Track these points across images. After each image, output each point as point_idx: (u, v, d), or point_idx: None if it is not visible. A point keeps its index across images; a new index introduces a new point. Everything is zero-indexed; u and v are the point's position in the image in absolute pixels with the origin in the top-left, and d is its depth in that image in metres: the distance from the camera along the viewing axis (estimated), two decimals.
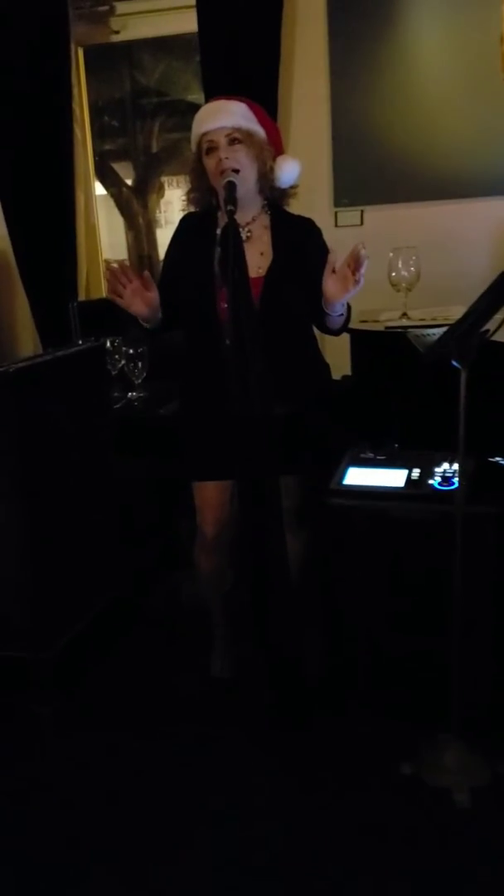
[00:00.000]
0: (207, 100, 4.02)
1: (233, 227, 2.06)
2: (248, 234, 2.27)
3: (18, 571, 2.32)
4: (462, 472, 2.00)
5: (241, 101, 2.26)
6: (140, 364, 3.24)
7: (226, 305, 2.21)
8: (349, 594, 2.29)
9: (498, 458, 2.33)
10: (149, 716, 2.48)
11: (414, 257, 2.55)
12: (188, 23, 4.10)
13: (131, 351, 3.23)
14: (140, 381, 3.26)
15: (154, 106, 9.07)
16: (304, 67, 3.91)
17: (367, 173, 3.95)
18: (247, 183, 2.21)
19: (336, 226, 3.93)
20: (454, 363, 1.91)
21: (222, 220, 2.31)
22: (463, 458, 1.98)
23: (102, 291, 4.58)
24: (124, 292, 2.18)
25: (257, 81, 3.77)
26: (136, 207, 9.55)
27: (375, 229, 3.95)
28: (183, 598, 3.00)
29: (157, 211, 10.23)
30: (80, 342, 3.02)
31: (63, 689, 2.49)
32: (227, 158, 2.18)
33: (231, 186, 2.14)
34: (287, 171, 2.30)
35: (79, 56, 4.26)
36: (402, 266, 2.55)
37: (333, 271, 2.08)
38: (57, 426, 2.44)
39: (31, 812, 2.12)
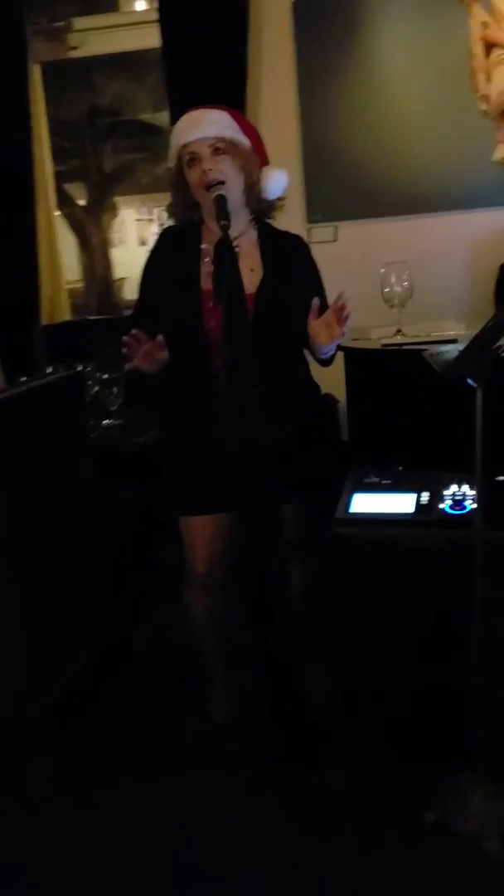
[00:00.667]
0: (173, 116, 3.96)
1: (227, 243, 1.93)
2: (237, 250, 2.14)
3: (4, 622, 2.13)
4: (480, 496, 1.88)
5: (222, 109, 2.14)
6: (115, 390, 3.07)
7: (214, 324, 2.09)
8: (358, 627, 2.16)
9: None
10: (145, 766, 2.31)
11: (407, 272, 2.45)
12: (150, 38, 3.99)
13: (105, 376, 3.07)
14: (115, 408, 3.10)
15: (107, 126, 8.95)
16: (271, 81, 3.83)
17: (340, 188, 3.87)
18: (233, 194, 2.09)
19: (309, 242, 3.83)
20: (470, 382, 1.79)
21: (207, 233, 2.19)
22: (480, 480, 1.87)
23: (66, 314, 4.43)
24: (135, 356, 2.06)
25: (224, 96, 3.64)
26: (89, 228, 9.40)
27: (350, 245, 3.87)
28: (175, 637, 2.82)
29: (111, 231, 10.10)
30: (50, 369, 2.85)
31: (55, 742, 2.30)
32: (211, 170, 2.05)
33: (222, 200, 2.01)
34: (274, 181, 2.19)
35: (35, 73, 4.11)
36: (395, 281, 2.45)
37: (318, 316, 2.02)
38: (34, 463, 2.26)
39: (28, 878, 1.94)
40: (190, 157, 2.08)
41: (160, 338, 2.04)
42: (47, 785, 2.21)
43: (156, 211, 10.78)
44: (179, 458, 2.28)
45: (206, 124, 2.08)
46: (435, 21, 3.69)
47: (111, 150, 9.26)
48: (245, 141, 2.12)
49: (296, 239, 2.28)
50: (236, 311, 1.92)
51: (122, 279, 10.12)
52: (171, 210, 2.23)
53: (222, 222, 1.96)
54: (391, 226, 3.91)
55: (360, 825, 2.03)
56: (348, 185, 3.89)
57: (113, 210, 9.79)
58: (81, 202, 9.21)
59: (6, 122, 3.82)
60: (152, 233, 11.21)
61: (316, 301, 2.03)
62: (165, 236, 2.31)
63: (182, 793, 2.18)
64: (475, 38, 3.71)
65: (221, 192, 2.03)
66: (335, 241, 3.87)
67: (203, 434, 2.18)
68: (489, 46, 3.71)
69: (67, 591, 2.42)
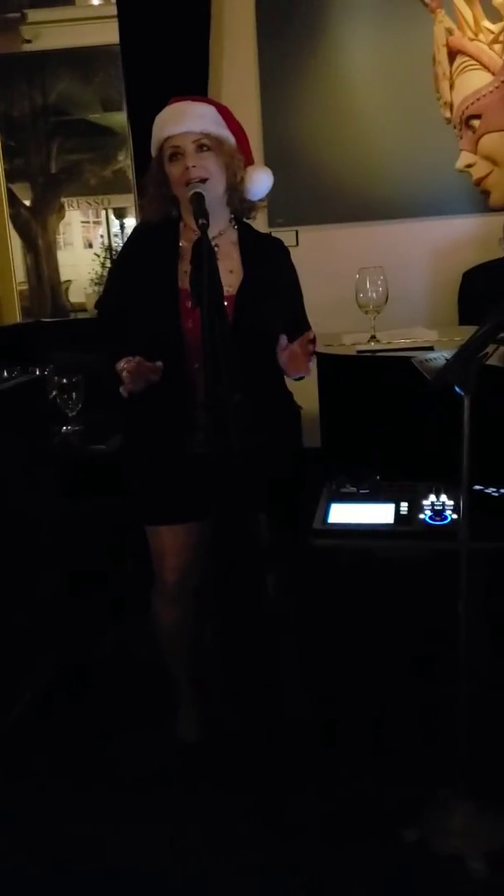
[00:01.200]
0: (131, 115, 3.87)
1: (207, 243, 1.85)
2: (216, 250, 2.06)
3: None
4: (466, 506, 1.83)
5: (210, 103, 2.07)
6: (74, 395, 2.97)
7: (191, 325, 2.01)
8: (337, 641, 2.09)
9: (483, 487, 2.19)
10: (110, 791, 2.20)
11: (382, 277, 2.41)
12: (106, 34, 3.90)
13: (64, 380, 2.96)
14: (74, 413, 2.99)
15: (54, 125, 8.77)
16: (233, 82, 3.78)
17: (302, 193, 3.83)
18: (215, 193, 2.01)
19: None
20: (457, 390, 1.75)
21: (185, 231, 2.10)
22: (466, 491, 1.82)
23: (17, 316, 4.29)
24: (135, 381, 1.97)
25: (183, 94, 3.60)
26: (35, 230, 9.21)
27: (311, 250, 3.83)
28: (139, 653, 2.72)
29: (57, 233, 9.92)
30: (13, 373, 2.74)
31: (10, 770, 2.18)
32: (195, 167, 1.97)
33: (199, 198, 1.93)
34: (259, 182, 2.12)
35: None
36: (370, 287, 2.40)
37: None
38: None
39: None
40: (173, 152, 1.99)
41: (160, 364, 1.95)
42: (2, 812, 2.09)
43: (103, 213, 10.65)
44: (149, 464, 2.18)
45: (192, 118, 1.99)
46: (399, 26, 3.69)
47: (58, 150, 9.10)
48: (231, 138, 2.04)
49: (277, 242, 2.22)
50: (215, 314, 1.84)
51: (69, 282, 9.95)
52: (146, 205, 2.13)
53: (201, 221, 1.88)
54: (353, 231, 3.89)
55: (337, 846, 1.96)
56: (310, 189, 3.86)
57: (59, 212, 9.61)
58: (27, 203, 9.01)
59: None
60: (99, 235, 11.07)
61: (283, 339, 1.97)
62: (139, 234, 2.23)
63: (149, 818, 2.07)
64: (439, 45, 3.73)
65: (199, 190, 1.95)
66: (296, 245, 3.82)
67: (175, 440, 2.09)
68: (453, 53, 3.74)
69: (26, 605, 2.30)
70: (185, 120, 1.99)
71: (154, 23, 3.63)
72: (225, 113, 2.07)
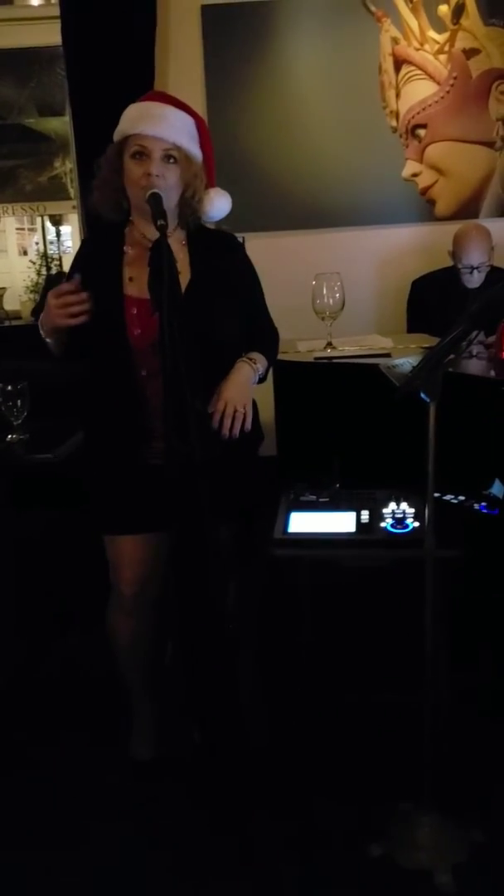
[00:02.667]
0: (75, 117, 3.78)
1: (166, 245, 1.79)
2: None
3: None
4: (432, 514, 1.81)
5: (188, 112, 1.99)
6: (20, 402, 2.85)
7: (139, 332, 1.95)
8: (298, 652, 2.05)
9: (441, 495, 2.17)
10: (61, 814, 2.11)
11: (339, 283, 2.38)
12: (50, 35, 3.81)
13: (9, 387, 2.84)
14: (20, 421, 2.88)
15: None
16: (179, 85, 3.73)
17: (248, 200, 3.79)
18: (167, 204, 1.94)
19: None
20: (423, 397, 1.73)
21: (131, 234, 2.04)
22: (432, 498, 1.80)
23: None
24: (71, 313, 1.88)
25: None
26: None
27: (256, 257, 3.77)
28: (86, 669, 2.63)
29: None
30: None
31: None
32: (157, 176, 1.90)
33: (157, 199, 1.88)
34: (218, 206, 2.08)
35: None
36: (328, 293, 2.37)
37: None
38: None
39: None
40: (139, 150, 1.92)
41: (77, 279, 1.89)
42: None
43: (38, 220, 10.46)
44: (104, 473, 2.11)
45: (169, 125, 1.92)
46: (346, 35, 3.70)
47: None
48: (199, 156, 1.99)
49: (227, 237, 2.16)
50: (175, 319, 1.78)
51: (3, 289, 9.71)
52: (98, 187, 2.03)
53: (160, 222, 1.82)
54: (299, 239, 3.88)
55: (300, 862, 1.91)
56: (256, 197, 3.84)
57: None
58: None
59: None
60: (34, 242, 10.87)
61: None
62: (89, 239, 2.17)
63: (105, 844, 2.00)
64: (385, 54, 3.74)
65: (157, 191, 1.89)
66: (246, 255, 3.78)
67: (130, 449, 2.03)
68: (399, 63, 3.76)
69: None
70: (162, 124, 1.91)
71: (98, 25, 3.56)
72: (201, 128, 2.02)
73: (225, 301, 2.03)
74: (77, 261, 2.14)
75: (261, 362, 2.08)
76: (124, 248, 2.04)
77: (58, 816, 2.10)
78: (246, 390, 2.01)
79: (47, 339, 2.00)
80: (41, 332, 2.00)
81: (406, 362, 1.82)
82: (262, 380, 2.12)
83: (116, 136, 1.97)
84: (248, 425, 1.99)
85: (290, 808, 2.06)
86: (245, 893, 1.85)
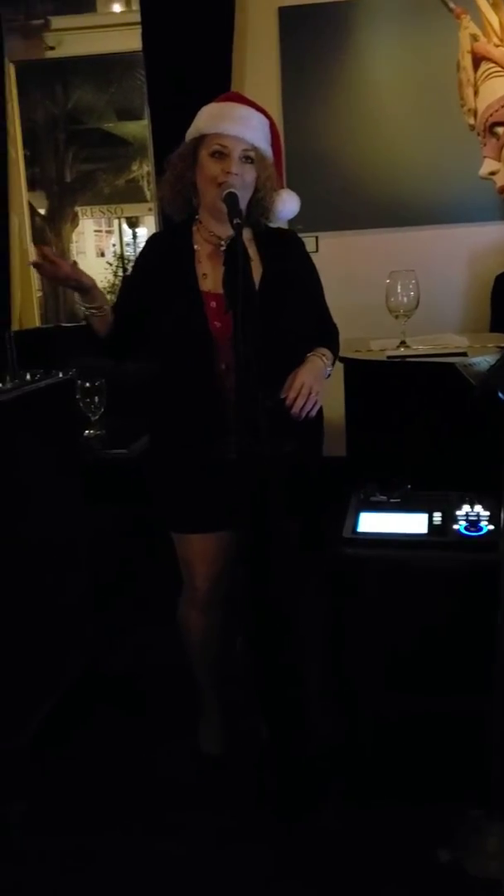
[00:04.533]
0: (154, 121, 3.84)
1: (241, 243, 1.81)
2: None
3: None
4: None
5: (264, 113, 2.02)
6: (97, 399, 2.93)
7: (220, 325, 1.98)
8: (366, 655, 2.04)
9: None
10: (130, 804, 2.15)
11: (413, 281, 2.36)
12: (131, 40, 3.88)
13: (87, 384, 2.92)
14: (97, 417, 2.95)
15: (69, 134, 8.79)
16: (255, 87, 3.77)
17: (323, 198, 3.81)
18: (241, 202, 1.96)
19: None
20: (501, 396, 1.70)
21: (199, 233, 2.06)
22: None
23: (36, 321, 4.26)
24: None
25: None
26: (48, 237, 9.21)
27: (331, 256, 3.80)
28: (157, 662, 2.66)
29: (71, 241, 9.93)
30: (37, 375, 2.70)
31: (33, 780, 2.13)
32: (237, 175, 1.93)
33: (233, 198, 1.90)
34: (289, 207, 2.09)
35: (11, 72, 3.95)
36: (402, 291, 2.35)
37: None
38: (22, 476, 2.11)
39: None
40: (218, 150, 1.95)
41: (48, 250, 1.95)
42: (24, 831, 2.04)
43: (115, 222, 10.66)
44: (178, 470, 2.13)
45: (250, 126, 1.96)
46: (422, 32, 3.67)
47: (72, 159, 9.11)
48: (271, 157, 2.02)
49: (291, 234, 2.17)
50: (248, 315, 1.80)
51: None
52: (167, 183, 2.06)
53: (235, 221, 1.84)
54: (375, 237, 3.87)
55: (366, 868, 1.90)
56: (331, 196, 3.84)
57: (73, 220, 9.63)
58: (42, 211, 9.02)
59: None
60: (111, 244, 11.09)
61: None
62: (155, 241, 2.20)
63: (169, 836, 2.02)
64: (464, 51, 3.67)
65: (233, 191, 1.91)
66: (316, 251, 3.79)
67: (205, 445, 2.05)
68: (478, 60, 3.69)
69: (50, 614, 2.26)
70: (241, 125, 1.95)
71: (177, 30, 3.62)
72: (273, 128, 2.04)
73: (295, 297, 2.04)
74: (142, 260, 2.16)
75: (328, 357, 2.08)
76: (194, 246, 2.07)
77: (128, 806, 2.14)
78: (320, 378, 2.01)
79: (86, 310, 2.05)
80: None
81: (483, 361, 1.79)
82: (327, 375, 2.11)
83: (192, 134, 2.00)
84: (315, 411, 1.97)
85: (355, 809, 2.05)
86: (310, 894, 1.84)
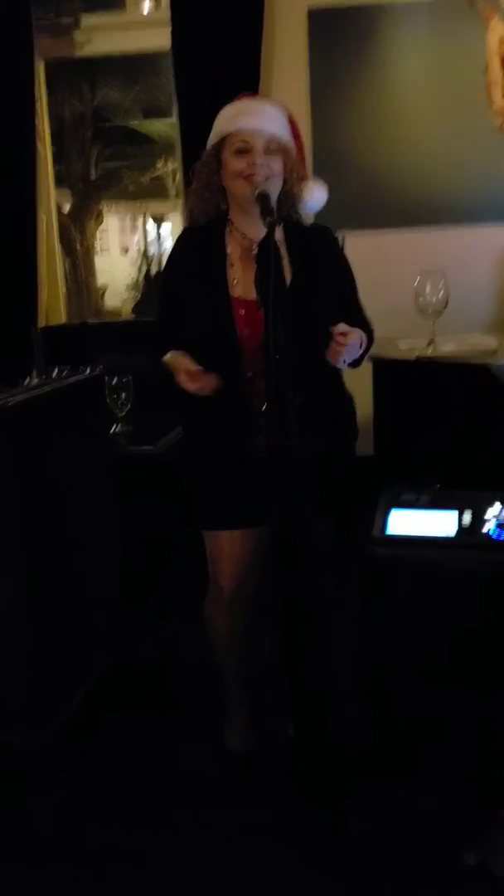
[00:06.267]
0: (182, 119, 3.85)
1: (273, 241, 1.82)
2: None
3: (11, 644, 1.98)
4: None
5: (279, 107, 2.03)
6: (124, 395, 2.94)
7: (247, 332, 1.98)
8: (396, 654, 2.04)
9: None
10: (157, 800, 2.16)
11: (443, 280, 2.36)
12: (159, 39, 3.89)
13: (114, 381, 2.93)
14: (124, 414, 2.96)
15: (95, 131, 8.80)
16: (283, 86, 3.76)
17: (350, 197, 3.79)
18: (272, 198, 1.97)
19: None
20: None
21: (232, 234, 2.06)
22: None
23: (62, 317, 4.29)
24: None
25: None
26: (73, 234, 9.25)
27: (357, 256, 3.74)
28: (185, 658, 2.68)
29: (95, 238, 9.96)
30: (65, 371, 2.72)
31: (61, 774, 2.14)
32: (263, 165, 1.93)
33: (265, 198, 1.90)
34: (317, 197, 2.08)
35: (41, 69, 3.98)
36: (431, 291, 2.35)
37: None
38: (53, 470, 2.12)
39: None
40: (241, 147, 1.96)
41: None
42: (51, 821, 2.06)
43: (140, 220, 10.68)
44: (207, 468, 2.14)
45: (266, 118, 1.97)
46: (451, 34, 3.67)
47: (97, 157, 9.13)
48: (293, 148, 2.02)
49: (324, 231, 2.16)
50: (280, 315, 1.80)
51: (105, 286, 9.97)
52: (195, 193, 2.08)
53: (268, 219, 1.85)
54: (403, 237, 3.85)
55: (392, 869, 1.90)
56: (358, 194, 3.83)
57: (98, 217, 9.65)
58: (66, 207, 9.06)
59: (11, 119, 3.69)
60: (135, 242, 11.11)
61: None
62: (186, 238, 2.18)
63: (194, 832, 2.04)
64: (492, 53, 3.68)
65: (264, 190, 1.91)
66: (342, 249, 3.78)
67: (234, 445, 2.05)
68: None
69: (79, 606, 2.28)
70: (259, 117, 1.96)
71: (206, 28, 3.63)
72: (291, 122, 2.05)
73: (327, 294, 2.04)
74: (177, 259, 2.16)
75: (364, 337, 2.05)
76: (227, 250, 2.07)
77: (154, 802, 2.15)
78: (356, 342, 1.97)
79: None
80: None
81: None
82: (357, 363, 2.09)
83: (213, 139, 2.01)
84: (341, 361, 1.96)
85: (382, 809, 2.05)
86: (337, 892, 1.85)
